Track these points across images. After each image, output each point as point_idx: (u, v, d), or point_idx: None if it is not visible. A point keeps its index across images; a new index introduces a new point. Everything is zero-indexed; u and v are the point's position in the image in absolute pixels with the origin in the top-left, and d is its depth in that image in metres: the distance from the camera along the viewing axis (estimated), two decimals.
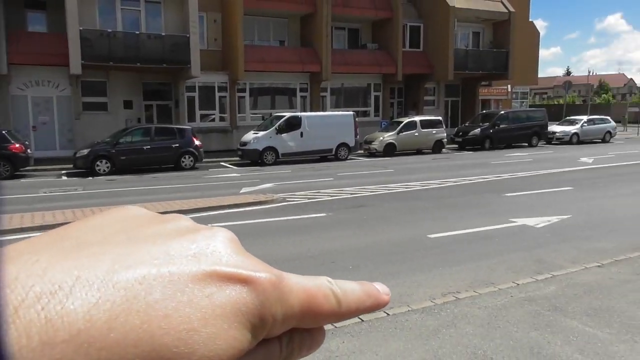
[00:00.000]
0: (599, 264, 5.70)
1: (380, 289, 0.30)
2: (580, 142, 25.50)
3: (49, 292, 0.21)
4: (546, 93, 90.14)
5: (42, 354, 0.19)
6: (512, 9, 27.38)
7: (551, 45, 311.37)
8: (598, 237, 7.21)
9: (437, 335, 3.98)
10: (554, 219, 8.36)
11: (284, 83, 24.82)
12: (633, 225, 7.93)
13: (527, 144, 24.64)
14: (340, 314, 0.27)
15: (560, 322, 4.17)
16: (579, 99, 66.14)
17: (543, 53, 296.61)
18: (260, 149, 18.06)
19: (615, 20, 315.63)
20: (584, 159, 17.61)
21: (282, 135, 18.46)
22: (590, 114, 29.59)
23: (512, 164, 17.09)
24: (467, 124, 24.73)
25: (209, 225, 0.28)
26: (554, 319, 4.23)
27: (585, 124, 26.40)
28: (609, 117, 27.99)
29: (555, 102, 47.39)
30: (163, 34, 20.55)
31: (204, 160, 17.76)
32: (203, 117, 22.89)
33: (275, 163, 18.25)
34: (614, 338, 3.85)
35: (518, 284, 5.10)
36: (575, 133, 26.00)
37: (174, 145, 16.97)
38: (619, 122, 33.12)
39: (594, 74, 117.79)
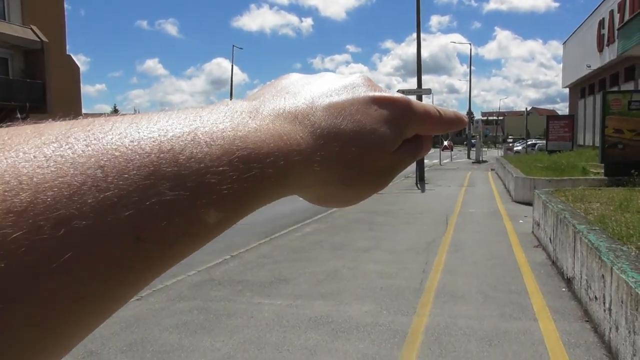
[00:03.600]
0: (138, 297, 6.06)
1: (463, 115, 0.46)
2: None
3: (304, 110, 0.34)
4: None
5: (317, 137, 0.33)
6: (45, 39, 26.60)
7: (97, 82, 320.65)
8: None
9: None
10: None
11: None
12: None
13: None
14: (442, 123, 0.43)
15: None
16: None
17: (89, 89, 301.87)
18: None
19: (154, 64, 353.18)
20: None
21: None
22: None
23: None
24: None
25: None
26: None
27: None
28: None
29: None
30: None
31: None
32: None
33: None
34: None
35: None
36: None
37: None
38: None
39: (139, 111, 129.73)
